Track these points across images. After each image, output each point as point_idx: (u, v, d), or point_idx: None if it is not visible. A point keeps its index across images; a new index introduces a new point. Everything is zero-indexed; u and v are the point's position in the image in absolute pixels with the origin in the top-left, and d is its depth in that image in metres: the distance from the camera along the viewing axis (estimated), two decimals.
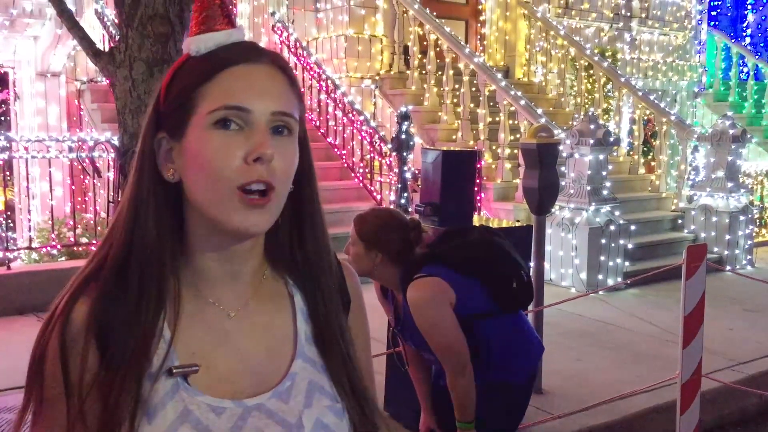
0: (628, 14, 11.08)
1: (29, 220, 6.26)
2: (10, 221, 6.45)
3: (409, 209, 6.39)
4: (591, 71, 9.24)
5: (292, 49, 8.24)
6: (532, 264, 4.16)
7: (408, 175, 6.69)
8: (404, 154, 6.67)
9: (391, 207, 5.54)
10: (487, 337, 2.53)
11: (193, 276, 0.97)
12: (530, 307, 3.79)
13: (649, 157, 9.05)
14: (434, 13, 8.54)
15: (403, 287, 2.53)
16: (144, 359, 0.91)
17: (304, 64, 8.07)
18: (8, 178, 6.63)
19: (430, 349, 2.53)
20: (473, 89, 8.09)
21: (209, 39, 0.95)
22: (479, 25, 10.27)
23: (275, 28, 8.49)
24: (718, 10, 15.65)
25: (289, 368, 0.99)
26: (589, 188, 6.71)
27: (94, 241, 6.00)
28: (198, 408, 0.92)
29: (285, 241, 1.02)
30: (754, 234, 8.12)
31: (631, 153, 8.76)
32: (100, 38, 7.12)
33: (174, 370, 0.92)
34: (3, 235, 5.89)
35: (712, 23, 13.91)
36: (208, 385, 0.94)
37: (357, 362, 1.04)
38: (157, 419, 0.90)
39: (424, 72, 8.49)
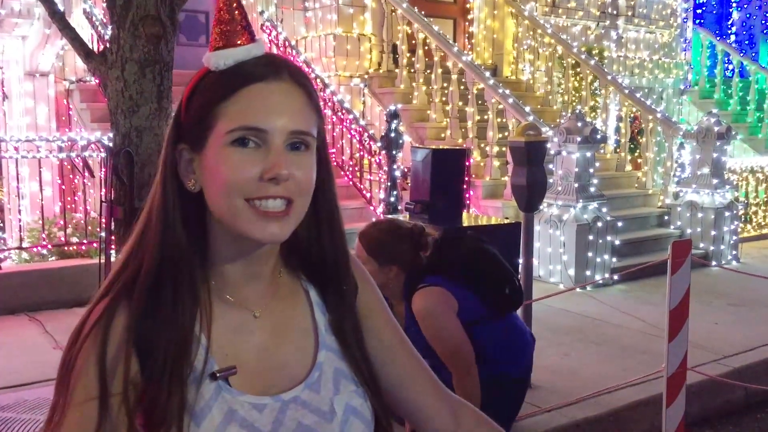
0: (615, 12, 11.17)
1: (19, 220, 6.25)
2: (0, 221, 6.44)
3: (399, 207, 6.43)
4: (578, 69, 9.30)
5: (281, 48, 8.25)
6: (520, 260, 4.21)
7: (397, 174, 6.73)
8: (393, 152, 6.71)
9: (389, 216, 5.50)
10: (485, 340, 2.59)
11: (219, 280, 1.01)
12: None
13: (636, 154, 9.13)
14: (422, 12, 8.58)
15: (405, 297, 2.57)
16: (185, 365, 0.94)
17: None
18: None
19: (432, 356, 2.58)
20: (462, 88, 8.14)
21: (229, 55, 0.97)
22: (467, 23, 10.32)
23: (264, 27, 8.51)
24: (704, 8, 15.77)
25: (315, 359, 1.04)
26: (576, 185, 6.78)
27: (84, 241, 6.01)
28: (242, 407, 0.96)
29: (302, 239, 1.05)
30: (739, 230, 8.21)
31: (618, 150, 8.84)
32: (89, 38, 7.11)
33: (217, 374, 0.96)
34: None
35: (698, 21, 14.01)
36: (245, 384, 0.98)
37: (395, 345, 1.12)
38: (204, 422, 0.94)
39: (412, 70, 8.53)
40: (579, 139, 6.76)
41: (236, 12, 0.99)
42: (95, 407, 0.92)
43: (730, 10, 16.41)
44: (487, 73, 8.11)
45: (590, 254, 6.72)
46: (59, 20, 3.62)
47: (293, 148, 0.96)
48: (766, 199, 9.44)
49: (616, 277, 6.65)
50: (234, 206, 0.94)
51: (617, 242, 7.08)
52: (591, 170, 6.98)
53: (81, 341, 0.95)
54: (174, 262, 0.96)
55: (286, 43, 8.26)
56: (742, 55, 12.76)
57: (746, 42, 16.39)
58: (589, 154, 6.94)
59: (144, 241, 0.99)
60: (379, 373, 1.12)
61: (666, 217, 8.09)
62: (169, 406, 0.92)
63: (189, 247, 0.98)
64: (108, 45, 3.41)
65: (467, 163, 6.86)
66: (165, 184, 0.99)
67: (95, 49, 4.75)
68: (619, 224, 7.22)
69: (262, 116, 0.94)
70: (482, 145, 7.87)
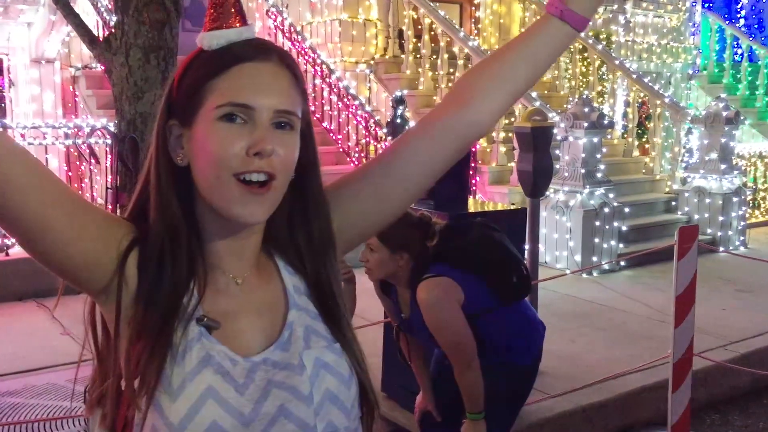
0: None
1: None
2: None
3: None
4: (585, 54, 9.24)
5: (287, 34, 8.22)
6: (527, 247, 4.20)
7: None
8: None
9: None
10: (493, 329, 2.58)
11: (207, 249, 1.06)
12: None
13: (643, 139, 9.09)
14: None
15: (411, 286, 2.56)
16: (178, 305, 1.01)
17: (299, 49, 8.07)
18: None
19: (437, 344, 2.57)
20: None
21: (221, 36, 1.02)
22: (473, 8, 10.26)
23: (269, 13, 8.48)
24: None
25: (285, 319, 1.07)
26: (583, 171, 6.75)
27: None
28: (218, 354, 1.01)
29: (282, 222, 1.10)
30: (747, 215, 8.18)
31: (625, 136, 8.80)
32: (94, 24, 7.09)
33: (202, 319, 1.02)
34: None
35: (707, 5, 13.89)
36: (224, 341, 1.03)
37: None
38: (184, 361, 0.98)
39: (418, 56, 8.49)
40: (586, 124, 6.73)
41: None
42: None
43: None
44: None
45: (597, 240, 6.71)
46: (63, 6, 3.60)
47: (278, 126, 1.00)
48: None
49: (622, 262, 6.63)
50: (221, 181, 0.98)
51: (624, 228, 7.06)
52: (598, 156, 6.95)
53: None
54: (174, 232, 1.02)
55: (292, 29, 8.23)
56: (751, 39, 12.65)
57: (756, 26, 16.25)
58: (596, 140, 6.90)
59: (140, 203, 1.07)
60: (382, 201, 1.14)
61: (673, 203, 8.06)
62: (161, 340, 0.98)
63: (185, 219, 1.03)
64: (112, 31, 3.39)
65: (473, 149, 6.84)
66: (158, 159, 1.04)
67: (100, 36, 4.73)
68: (626, 210, 7.19)
69: (250, 94, 0.99)
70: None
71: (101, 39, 3.55)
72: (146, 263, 1.01)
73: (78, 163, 6.78)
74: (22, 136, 5.93)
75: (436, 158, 1.14)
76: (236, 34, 1.02)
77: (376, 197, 1.15)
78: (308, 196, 1.10)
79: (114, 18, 3.43)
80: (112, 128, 5.42)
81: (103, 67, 3.54)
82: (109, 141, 5.70)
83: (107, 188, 3.83)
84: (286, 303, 1.09)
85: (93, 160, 6.10)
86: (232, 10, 1.03)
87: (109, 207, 3.63)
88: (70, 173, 6.43)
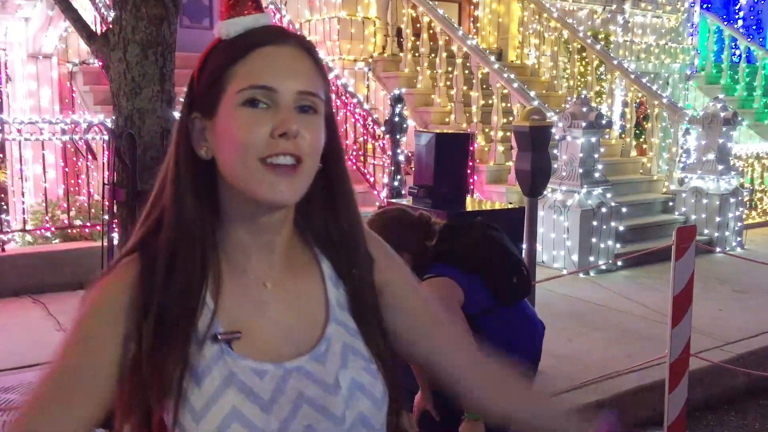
0: None
1: (23, 203, 6.25)
2: (3, 204, 6.44)
3: (403, 192, 6.42)
4: (584, 54, 9.24)
5: None
6: (524, 246, 4.20)
7: (401, 158, 6.71)
8: (397, 136, 6.69)
9: (393, 201, 5.46)
10: (493, 329, 2.57)
11: (231, 249, 1.03)
12: None
13: (641, 139, 9.09)
14: None
15: None
16: (190, 326, 0.97)
17: None
18: (1, 160, 6.63)
19: None
20: (466, 72, 8.09)
21: (238, 23, 1.01)
22: (472, 7, 10.25)
23: (268, 10, 8.45)
24: None
25: (324, 332, 1.04)
26: (581, 171, 6.75)
27: (87, 224, 6.01)
28: (242, 371, 0.97)
29: (318, 214, 1.07)
30: (744, 216, 8.18)
31: (623, 136, 8.80)
32: (92, 20, 7.07)
33: (219, 336, 0.97)
34: None
35: (705, 6, 13.89)
36: (250, 351, 0.99)
37: (414, 317, 1.14)
38: (204, 383, 0.95)
39: (417, 54, 8.48)
40: (584, 124, 6.73)
41: None
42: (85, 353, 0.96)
43: None
44: (492, 58, 8.06)
45: (594, 240, 6.71)
46: (61, 1, 3.58)
47: (302, 110, 0.98)
48: None
49: (619, 262, 6.63)
50: (248, 167, 0.95)
51: (621, 228, 7.06)
52: (596, 156, 6.95)
53: (90, 296, 0.99)
54: (186, 227, 0.99)
55: (290, 26, 8.21)
56: (749, 40, 12.66)
57: (754, 27, 16.26)
58: (594, 140, 6.90)
59: (155, 207, 1.03)
60: (411, 349, 1.15)
61: (671, 203, 8.06)
62: (170, 363, 0.94)
63: (199, 215, 1.00)
64: (110, 26, 3.37)
65: (471, 148, 6.83)
66: (178, 154, 1.01)
67: (98, 31, 4.72)
68: (624, 210, 7.19)
69: (271, 76, 0.97)
70: (487, 130, 7.83)
71: (99, 34, 3.53)
72: (152, 280, 0.97)
73: (75, 159, 6.77)
74: (19, 131, 5.91)
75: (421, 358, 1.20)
76: (253, 20, 1.01)
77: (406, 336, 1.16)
78: (335, 188, 1.07)
79: (112, 13, 3.41)
80: (109, 124, 5.41)
81: (100, 63, 3.53)
82: (106, 137, 5.70)
83: (104, 184, 3.81)
84: (326, 314, 1.05)
85: (90, 156, 6.09)
86: None
87: (106, 203, 3.61)
88: (66, 169, 6.41)
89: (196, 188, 1.00)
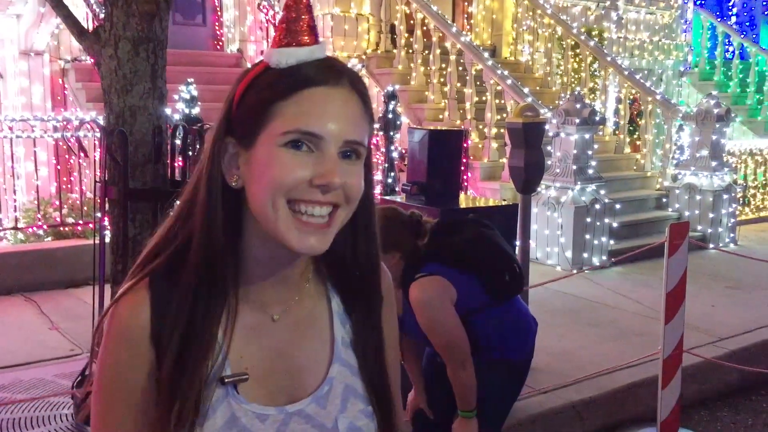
0: None
1: (15, 201, 6.22)
2: None
3: (396, 189, 6.41)
4: (577, 50, 9.25)
5: None
6: (518, 243, 4.20)
7: (395, 155, 6.70)
8: (391, 133, 6.68)
9: (387, 198, 5.46)
10: (486, 326, 2.57)
11: (246, 280, 1.00)
12: None
13: (635, 136, 9.10)
14: None
15: (403, 285, 2.54)
16: (204, 365, 0.95)
17: None
18: None
19: (430, 343, 2.56)
20: (460, 68, 8.08)
21: (292, 54, 0.95)
22: (466, 3, 10.24)
23: (261, 7, 8.43)
24: None
25: (327, 372, 1.03)
26: (574, 167, 6.75)
27: (80, 221, 5.98)
28: (245, 415, 0.96)
29: (338, 247, 1.02)
30: (737, 212, 8.21)
31: (617, 132, 8.81)
32: (83, 16, 7.03)
33: (226, 380, 0.96)
34: None
35: (699, 2, 13.91)
36: (253, 390, 0.98)
37: (388, 364, 1.10)
38: (207, 424, 0.95)
39: (410, 51, 8.47)
40: (578, 120, 6.73)
41: (303, 11, 0.97)
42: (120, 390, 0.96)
43: None
44: (486, 54, 8.05)
45: (588, 236, 6.71)
46: None
47: (345, 156, 0.95)
48: (764, 182, 9.42)
49: (613, 259, 6.64)
50: (277, 207, 0.92)
51: (615, 224, 7.07)
52: (589, 152, 6.95)
53: (107, 325, 0.97)
54: (211, 263, 0.96)
55: None
56: (742, 36, 12.69)
57: (747, 23, 16.29)
58: (587, 136, 6.90)
59: (182, 222, 0.99)
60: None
61: (664, 200, 8.08)
62: (188, 404, 0.93)
63: (227, 249, 0.97)
64: (102, 23, 3.35)
65: (465, 145, 6.82)
66: (210, 179, 0.97)
67: (89, 28, 4.69)
68: (617, 206, 7.20)
69: (320, 122, 0.93)
70: (480, 127, 7.83)
71: (90, 31, 3.51)
72: (168, 306, 0.96)
73: (67, 156, 6.74)
74: (11, 128, 5.88)
75: None
76: (307, 53, 0.95)
77: None
78: (359, 225, 1.03)
79: (103, 10, 3.39)
80: (101, 121, 5.39)
81: (92, 60, 3.50)
82: (98, 134, 5.67)
83: (96, 182, 3.79)
84: (331, 354, 1.04)
85: (82, 154, 6.05)
86: (305, 27, 0.96)
87: (98, 200, 3.59)
88: (58, 166, 6.38)
89: (226, 217, 0.97)
